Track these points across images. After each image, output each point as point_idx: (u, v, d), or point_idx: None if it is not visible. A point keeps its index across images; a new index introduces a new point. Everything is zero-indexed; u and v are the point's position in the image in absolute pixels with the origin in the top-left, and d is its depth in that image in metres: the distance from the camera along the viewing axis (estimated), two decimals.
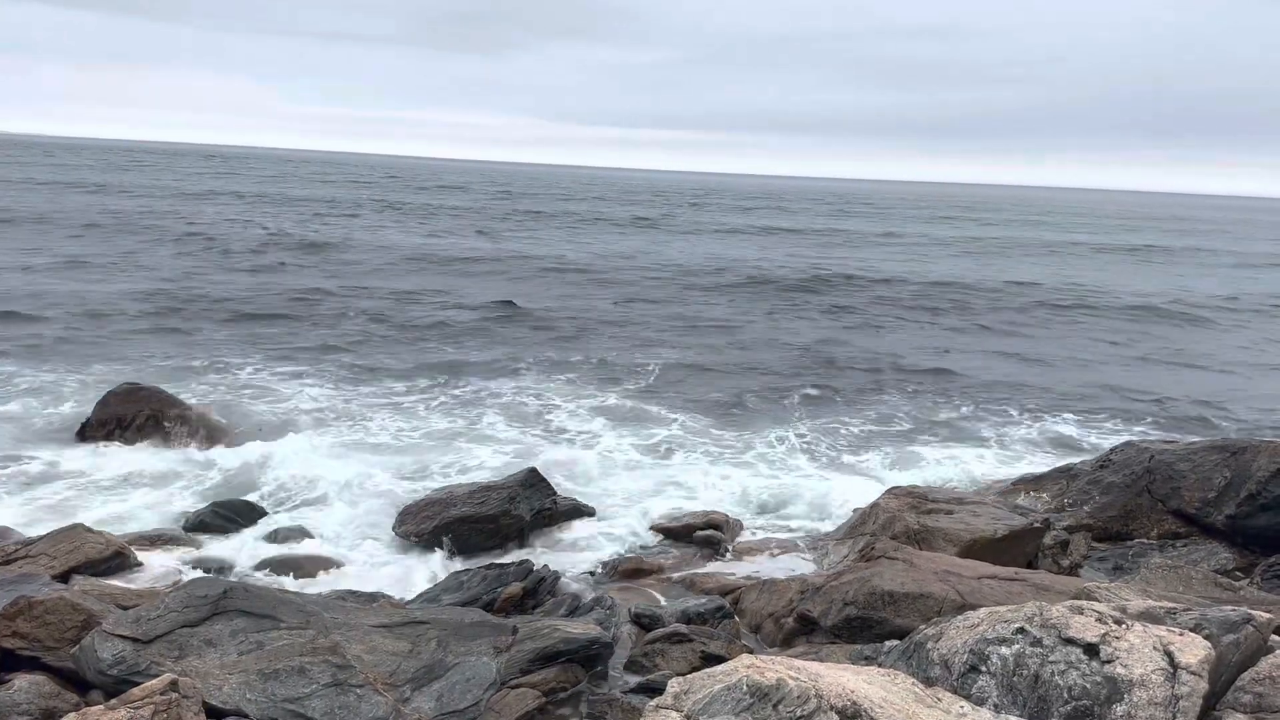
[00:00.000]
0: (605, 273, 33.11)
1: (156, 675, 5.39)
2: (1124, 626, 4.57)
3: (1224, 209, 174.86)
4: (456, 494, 10.49)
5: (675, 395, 16.86)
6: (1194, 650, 4.41)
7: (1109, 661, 4.37)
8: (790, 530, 10.82)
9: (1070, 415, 16.68)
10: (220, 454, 12.26)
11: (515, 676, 6.33)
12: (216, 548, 9.62)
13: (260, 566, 9.28)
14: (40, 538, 8.87)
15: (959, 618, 5.01)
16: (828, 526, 10.86)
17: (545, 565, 9.25)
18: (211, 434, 12.91)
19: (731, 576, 9.49)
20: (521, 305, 25.69)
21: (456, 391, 16.25)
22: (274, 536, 9.93)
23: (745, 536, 10.53)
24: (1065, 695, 4.33)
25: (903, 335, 24.30)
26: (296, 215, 51.00)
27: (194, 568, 9.08)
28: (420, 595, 8.75)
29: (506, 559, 9.43)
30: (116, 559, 8.90)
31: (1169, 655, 4.38)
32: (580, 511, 10.93)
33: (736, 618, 8.37)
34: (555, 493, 10.87)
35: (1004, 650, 4.59)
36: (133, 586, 8.50)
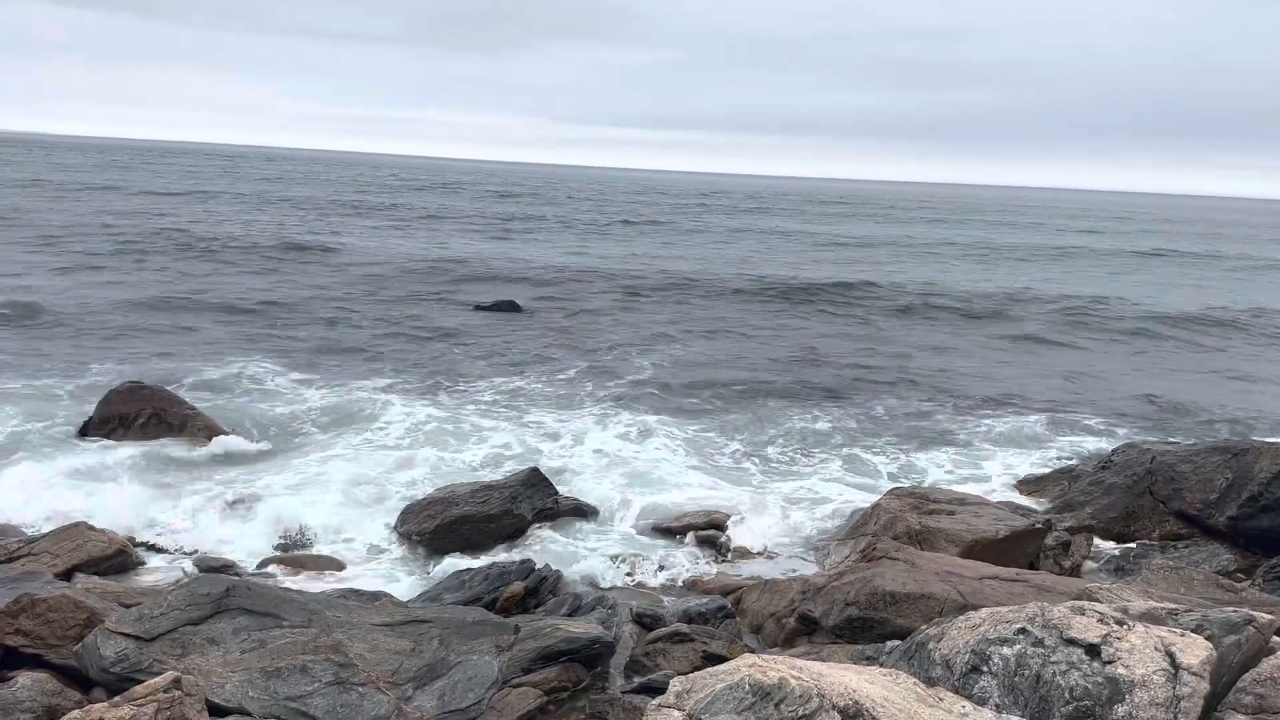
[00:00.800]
0: (612, 274, 33.11)
1: (159, 673, 5.40)
2: (1125, 627, 4.58)
3: (1244, 211, 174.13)
4: (458, 493, 10.50)
5: (679, 396, 16.86)
6: (1195, 651, 4.41)
7: (1110, 662, 4.38)
8: (791, 530, 10.82)
9: (1071, 417, 16.67)
10: (222, 452, 12.27)
11: (517, 675, 6.34)
12: (219, 546, 9.63)
13: (262, 565, 9.30)
14: (43, 536, 8.90)
15: (961, 618, 5.02)
16: (830, 527, 10.87)
17: (547, 564, 9.27)
18: (213, 432, 12.92)
19: (733, 576, 9.51)
20: (524, 305, 25.70)
21: (459, 391, 16.25)
22: (276, 535, 9.94)
23: (747, 536, 10.53)
24: (1067, 696, 4.34)
25: (909, 336, 24.30)
26: (300, 215, 51.03)
27: (196, 566, 9.10)
28: (422, 594, 8.77)
29: (508, 558, 9.44)
30: (119, 557, 8.92)
31: (1170, 656, 4.38)
32: (582, 511, 10.95)
33: (738, 617, 8.38)
34: (557, 492, 10.88)
35: (1006, 650, 4.60)
36: (135, 584, 8.53)
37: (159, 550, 9.58)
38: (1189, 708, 4.21)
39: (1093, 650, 4.45)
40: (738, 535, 10.53)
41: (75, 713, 4.89)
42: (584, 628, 6.89)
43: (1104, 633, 4.52)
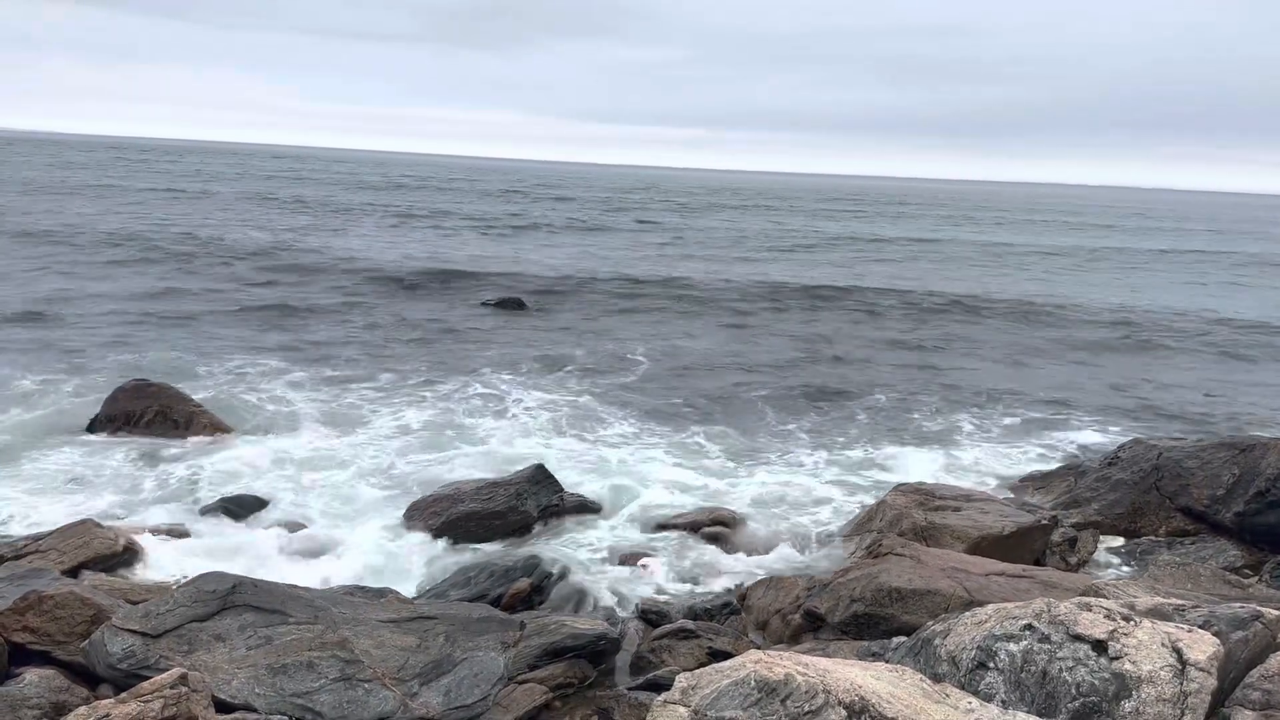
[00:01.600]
0: (615, 274, 33.09)
1: (166, 670, 5.41)
2: (1132, 623, 4.57)
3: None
4: (464, 490, 10.51)
5: (683, 395, 16.85)
6: (1203, 647, 4.40)
7: (1117, 658, 4.37)
8: (797, 527, 10.80)
9: (1078, 415, 16.64)
10: (228, 450, 12.30)
11: (523, 672, 6.34)
12: (224, 543, 9.64)
13: (268, 562, 9.31)
14: (49, 533, 8.91)
15: (967, 614, 5.01)
16: (835, 524, 10.86)
17: (552, 561, 9.28)
18: (219, 430, 12.95)
19: (738, 573, 9.50)
20: (530, 303, 25.71)
21: (464, 388, 16.26)
22: (282, 532, 9.95)
23: (752, 533, 10.52)
24: (1073, 691, 4.33)
25: (915, 337, 24.25)
26: (304, 214, 51.07)
27: (202, 563, 9.11)
28: (428, 591, 8.78)
29: (514, 555, 9.45)
30: (125, 554, 8.94)
31: (1177, 652, 4.37)
32: (587, 507, 10.95)
33: (743, 614, 8.38)
34: (562, 489, 10.88)
35: (1012, 647, 4.59)
36: (141, 581, 8.54)
37: (165, 547, 9.58)
38: (1196, 704, 4.20)
39: (1099, 646, 4.44)
40: (743, 532, 10.51)
41: (82, 709, 4.90)
42: (589, 624, 6.90)
43: (1111, 628, 4.51)
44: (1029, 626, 4.64)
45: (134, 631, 6.28)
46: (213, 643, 6.27)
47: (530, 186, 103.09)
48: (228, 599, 6.61)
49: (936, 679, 4.51)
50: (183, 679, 5.07)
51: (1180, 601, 5.39)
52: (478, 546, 9.84)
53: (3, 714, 5.56)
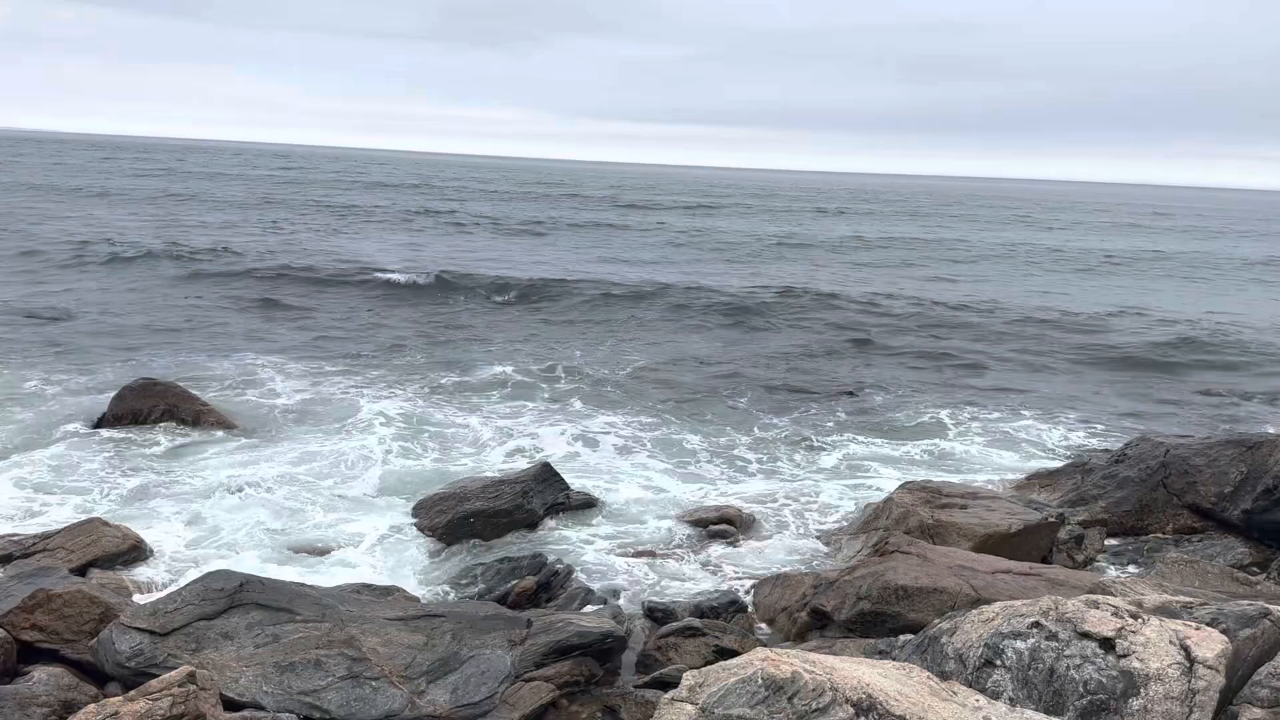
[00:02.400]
0: (620, 273, 33.07)
1: (174, 667, 5.43)
2: (1140, 621, 4.56)
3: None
4: (470, 488, 10.52)
5: (686, 395, 16.85)
6: (1211, 644, 4.39)
7: (1125, 655, 4.36)
8: (803, 525, 10.80)
9: (1082, 414, 16.61)
10: (234, 448, 12.33)
11: (529, 670, 6.34)
12: (233, 541, 9.66)
13: (275, 560, 9.33)
14: (58, 531, 8.95)
15: (974, 612, 5.00)
16: (841, 521, 10.85)
17: (558, 559, 9.29)
18: (226, 427, 12.99)
19: (745, 570, 9.50)
20: (534, 303, 25.71)
21: (468, 388, 16.28)
22: (290, 530, 9.98)
23: (759, 531, 10.53)
24: (1081, 689, 4.32)
25: (922, 337, 24.20)
26: (307, 215, 51.11)
27: (210, 561, 9.13)
28: (435, 589, 8.79)
29: (520, 553, 9.46)
30: (133, 552, 8.97)
31: (1185, 649, 4.36)
32: (592, 506, 10.95)
33: (750, 612, 8.38)
34: (568, 487, 10.89)
35: (1019, 644, 4.58)
36: (150, 579, 8.57)
37: (173, 544, 9.60)
38: (1204, 701, 4.19)
39: (1107, 644, 4.43)
40: (749, 530, 10.52)
41: (91, 706, 4.92)
42: (596, 622, 6.90)
43: (1118, 626, 4.50)
44: (1036, 624, 4.63)
45: (142, 629, 6.30)
46: (220, 641, 6.29)
47: (538, 185, 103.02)
48: (235, 597, 6.62)
49: (944, 676, 4.51)
50: (191, 677, 5.09)
51: (1188, 599, 5.38)
52: (484, 544, 9.85)
53: (12, 711, 5.58)
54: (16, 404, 13.77)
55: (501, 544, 9.93)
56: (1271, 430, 13.73)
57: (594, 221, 55.40)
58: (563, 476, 10.91)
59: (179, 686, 4.99)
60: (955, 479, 12.04)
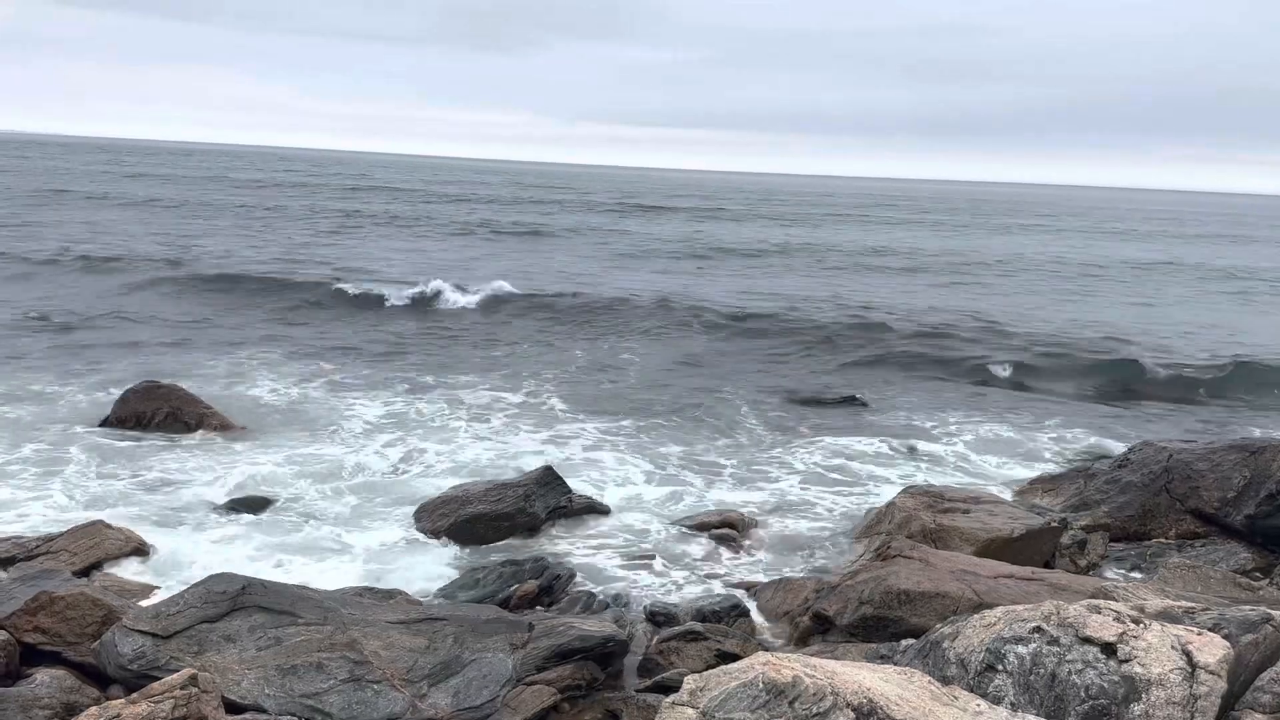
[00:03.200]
0: (623, 273, 33.10)
1: (176, 670, 5.44)
2: (1142, 626, 4.56)
3: None
4: (473, 491, 10.53)
5: (688, 394, 16.85)
6: (1213, 650, 4.39)
7: (1127, 661, 4.36)
8: (805, 529, 10.80)
9: (1085, 419, 16.60)
10: (237, 450, 12.35)
11: (531, 673, 6.35)
12: (234, 543, 9.68)
13: (277, 562, 9.33)
14: (61, 534, 8.96)
15: (975, 617, 5.01)
16: (843, 526, 10.85)
17: (560, 563, 9.29)
18: (229, 430, 13.01)
19: (746, 575, 9.50)
20: (535, 309, 25.71)
21: (469, 394, 16.29)
22: (291, 532, 9.99)
23: (760, 535, 10.52)
24: (1082, 694, 4.33)
25: (925, 343, 24.16)
26: (314, 220, 51.17)
27: (212, 563, 9.13)
28: (437, 592, 8.80)
29: (522, 556, 9.46)
30: (136, 555, 8.98)
31: (1187, 655, 4.36)
32: (595, 509, 10.95)
33: (751, 616, 8.38)
34: (570, 491, 10.89)
35: (1021, 649, 4.58)
36: (152, 582, 8.58)
37: (176, 547, 9.61)
38: (1206, 707, 4.19)
39: (1109, 649, 4.43)
40: (751, 534, 10.52)
41: (93, 709, 4.93)
42: (598, 626, 6.90)
43: (1120, 631, 4.50)
44: (1038, 629, 4.63)
45: (144, 632, 6.31)
46: (223, 643, 6.30)
47: (538, 189, 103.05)
48: (237, 600, 6.63)
49: (945, 681, 4.51)
50: (193, 680, 5.10)
51: (1190, 604, 5.38)
52: (486, 548, 9.86)
53: (14, 714, 5.59)
54: (20, 405, 13.80)
55: (503, 547, 9.94)
56: (1276, 435, 13.70)
57: (593, 225, 55.41)
58: (564, 480, 10.91)
59: (181, 689, 5.00)
60: (957, 484, 12.04)
